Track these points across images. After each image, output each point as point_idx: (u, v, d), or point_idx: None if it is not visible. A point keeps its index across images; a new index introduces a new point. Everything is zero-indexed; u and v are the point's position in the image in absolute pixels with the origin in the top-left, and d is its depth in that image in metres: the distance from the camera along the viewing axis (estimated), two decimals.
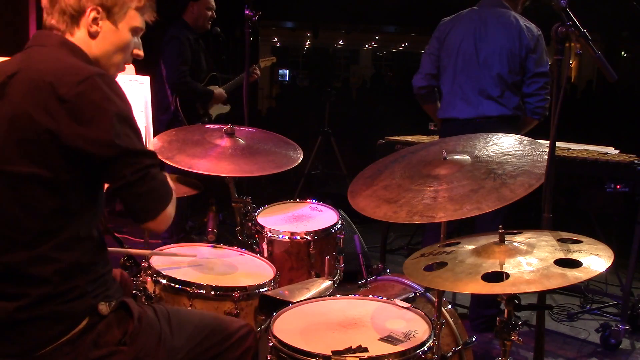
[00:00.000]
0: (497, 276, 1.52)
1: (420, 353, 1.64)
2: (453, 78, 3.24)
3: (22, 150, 1.46)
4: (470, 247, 1.72)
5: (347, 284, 2.58)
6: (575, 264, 1.51)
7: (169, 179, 1.65)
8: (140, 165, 1.52)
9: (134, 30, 1.68)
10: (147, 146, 2.62)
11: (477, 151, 1.94)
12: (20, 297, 1.47)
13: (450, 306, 2.21)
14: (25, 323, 1.47)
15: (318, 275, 2.43)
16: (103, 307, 1.56)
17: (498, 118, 3.14)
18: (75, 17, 1.58)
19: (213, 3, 4.31)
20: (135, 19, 1.66)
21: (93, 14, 1.59)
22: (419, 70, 3.41)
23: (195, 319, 1.75)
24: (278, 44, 25.94)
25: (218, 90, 4.37)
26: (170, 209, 1.61)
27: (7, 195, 1.48)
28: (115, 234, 2.89)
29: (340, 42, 25.70)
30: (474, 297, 3.34)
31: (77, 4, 1.58)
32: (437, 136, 3.60)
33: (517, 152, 1.88)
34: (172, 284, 2.02)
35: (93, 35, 1.61)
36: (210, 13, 4.29)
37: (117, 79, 1.59)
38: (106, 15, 1.61)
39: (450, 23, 3.30)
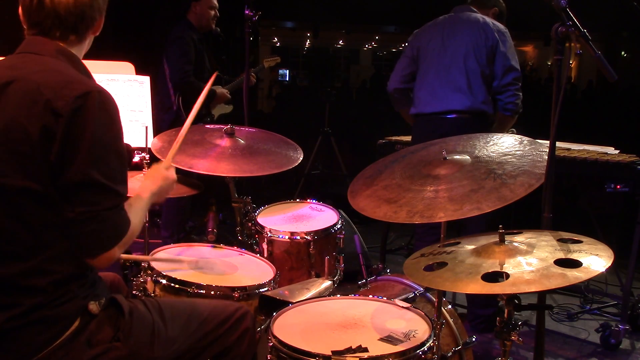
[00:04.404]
0: (497, 276, 1.52)
1: (420, 353, 1.64)
2: (423, 75, 3.31)
3: (15, 162, 1.45)
4: (470, 247, 1.72)
5: (347, 284, 2.58)
6: (575, 264, 1.51)
7: (129, 218, 1.58)
8: (95, 206, 1.46)
9: None
10: (146, 145, 2.62)
11: (477, 151, 1.94)
12: (13, 306, 1.46)
13: (450, 306, 2.22)
14: (17, 330, 1.46)
15: (318, 275, 2.43)
16: (93, 307, 1.56)
17: (465, 112, 3.17)
18: (93, 25, 1.61)
19: (215, 2, 4.31)
20: None
21: (102, 20, 1.63)
22: (392, 74, 3.48)
23: (188, 308, 1.76)
24: (278, 44, 25.93)
25: (220, 89, 4.38)
26: (112, 252, 1.52)
27: (0, 208, 1.47)
28: None
29: (340, 42, 25.71)
30: (469, 297, 3.34)
31: (98, 13, 1.60)
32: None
33: (517, 152, 1.88)
34: (172, 284, 2.02)
35: (91, 39, 1.65)
36: (213, 12, 4.29)
37: (111, 95, 1.55)
38: (103, 17, 1.65)
39: (422, 30, 3.40)
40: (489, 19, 3.21)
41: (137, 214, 1.64)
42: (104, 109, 1.48)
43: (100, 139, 1.47)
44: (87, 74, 1.61)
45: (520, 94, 3.17)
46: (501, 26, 3.20)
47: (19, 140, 1.44)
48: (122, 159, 1.54)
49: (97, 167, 1.46)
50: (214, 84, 4.38)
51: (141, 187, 1.76)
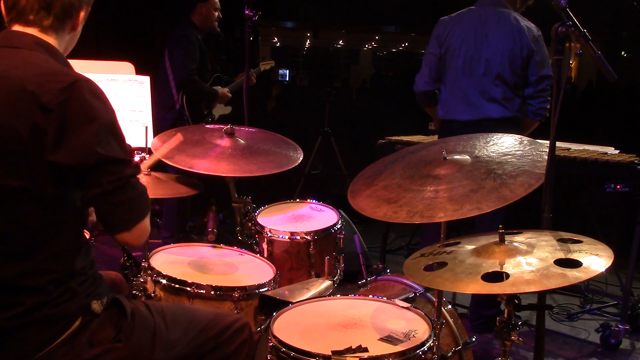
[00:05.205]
0: (497, 276, 1.52)
1: (420, 353, 1.64)
2: (454, 80, 3.22)
3: (7, 163, 1.43)
4: (470, 247, 1.72)
5: (347, 284, 2.58)
6: (575, 264, 1.51)
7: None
8: (120, 174, 1.49)
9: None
10: (146, 145, 2.62)
11: (477, 151, 1.94)
12: (14, 306, 1.46)
13: (450, 306, 2.21)
14: (19, 329, 1.46)
15: (318, 275, 2.43)
16: (96, 306, 1.56)
17: (500, 120, 3.13)
18: (72, 16, 1.57)
19: (219, 4, 4.33)
20: None
21: (84, 14, 1.60)
22: (421, 74, 3.36)
23: (189, 314, 1.76)
24: (278, 44, 25.95)
25: (222, 90, 4.39)
26: (147, 222, 1.57)
27: None
28: None
29: (340, 42, 25.74)
30: (474, 297, 3.34)
31: (78, 3, 1.57)
32: (437, 136, 3.60)
33: (517, 152, 1.88)
34: (172, 284, 2.02)
35: (75, 33, 1.61)
36: (217, 13, 4.31)
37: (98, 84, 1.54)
38: (85, 12, 1.61)
39: (449, 24, 3.27)
40: (522, 22, 3.11)
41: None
42: (94, 94, 1.47)
43: (99, 124, 1.45)
44: (67, 65, 1.57)
45: (551, 99, 3.11)
46: (534, 30, 3.11)
47: (9, 140, 1.42)
48: (122, 139, 1.53)
49: (102, 147, 1.45)
50: (214, 84, 4.40)
51: None
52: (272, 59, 5.22)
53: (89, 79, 1.50)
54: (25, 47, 1.51)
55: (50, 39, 1.56)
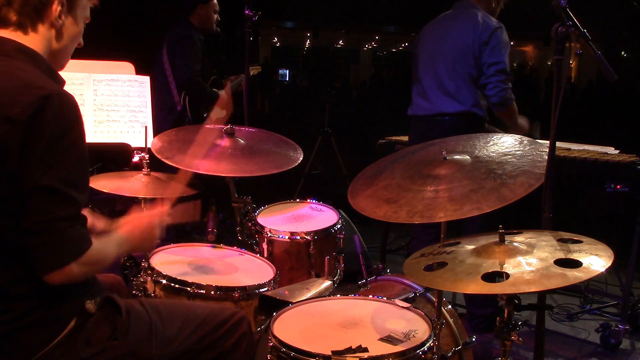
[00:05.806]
0: (497, 276, 1.52)
1: (420, 353, 1.64)
2: (417, 77, 3.35)
3: None
4: (470, 247, 1.72)
5: (347, 284, 2.58)
6: (575, 264, 1.51)
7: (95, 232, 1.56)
8: (48, 215, 1.39)
9: (85, 21, 1.63)
10: (145, 145, 2.62)
11: (477, 151, 1.94)
12: (7, 311, 1.44)
13: (450, 306, 2.22)
14: (13, 333, 1.45)
15: (318, 275, 2.43)
16: (90, 305, 1.55)
17: (455, 114, 3.19)
18: (40, 9, 1.50)
19: (218, 6, 4.34)
20: (86, 10, 1.63)
21: (58, 8, 1.53)
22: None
23: (185, 309, 1.75)
24: (278, 44, 25.95)
25: (222, 93, 4.37)
26: (71, 269, 1.42)
27: None
28: None
29: (340, 42, 25.76)
30: (467, 297, 3.34)
31: None
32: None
33: (517, 152, 1.88)
34: (172, 284, 2.02)
35: (56, 30, 1.55)
36: (216, 15, 4.31)
37: (73, 97, 1.46)
38: (67, 8, 1.56)
39: (422, 31, 3.41)
40: (481, 17, 3.15)
41: (108, 243, 1.58)
42: (62, 112, 1.41)
43: (56, 144, 1.39)
44: (50, 72, 1.54)
45: (505, 85, 3.11)
46: (493, 23, 3.13)
47: None
48: (84, 165, 1.47)
49: (52, 172, 1.38)
50: (212, 86, 4.40)
51: (123, 226, 1.72)
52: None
53: (65, 93, 1.44)
54: (5, 54, 1.47)
55: (30, 42, 1.51)
